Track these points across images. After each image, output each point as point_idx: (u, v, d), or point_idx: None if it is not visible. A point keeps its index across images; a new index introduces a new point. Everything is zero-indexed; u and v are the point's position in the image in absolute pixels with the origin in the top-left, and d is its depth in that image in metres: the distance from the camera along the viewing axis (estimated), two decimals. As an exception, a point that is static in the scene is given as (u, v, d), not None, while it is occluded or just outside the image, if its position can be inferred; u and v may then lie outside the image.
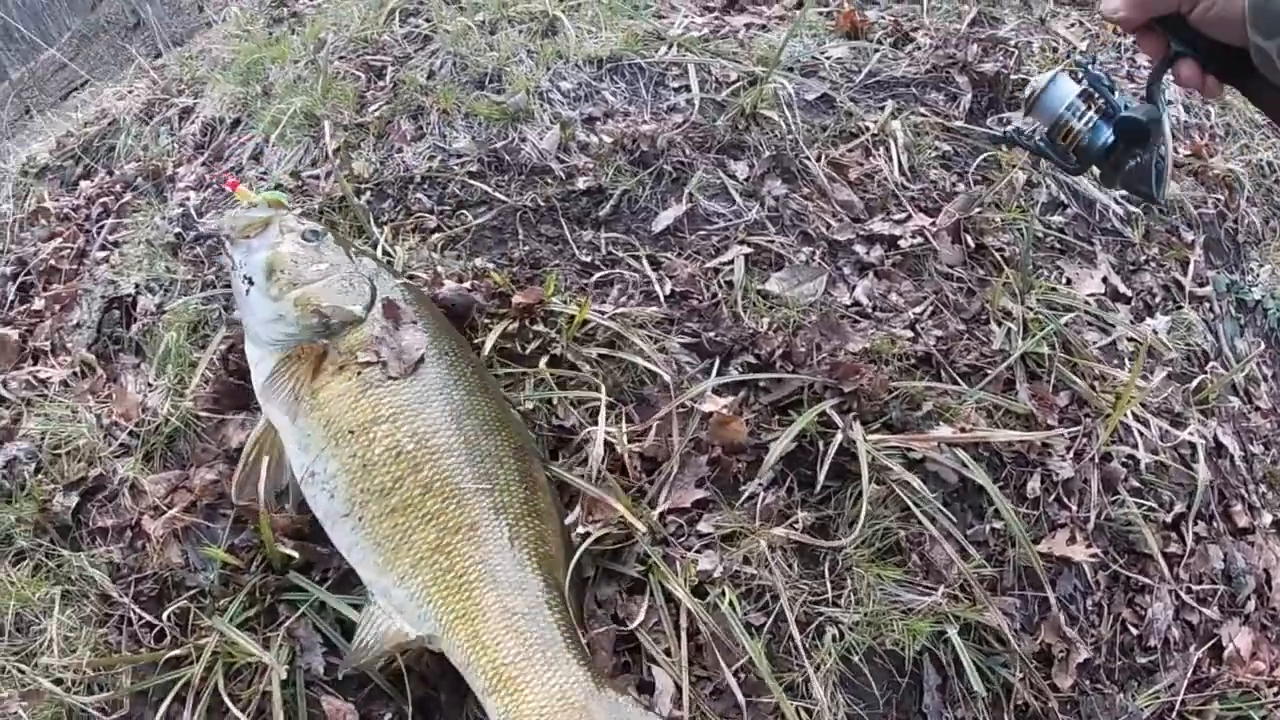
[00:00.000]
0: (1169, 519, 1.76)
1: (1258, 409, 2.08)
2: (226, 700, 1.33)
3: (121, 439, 1.65)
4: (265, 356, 1.49)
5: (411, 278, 1.73)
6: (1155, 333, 1.94)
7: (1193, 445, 1.83)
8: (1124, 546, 1.70)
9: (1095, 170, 1.18)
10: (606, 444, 1.50)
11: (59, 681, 1.39)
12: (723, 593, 1.36)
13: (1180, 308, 2.04)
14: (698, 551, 1.40)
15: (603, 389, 1.53)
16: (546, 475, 1.44)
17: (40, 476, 1.62)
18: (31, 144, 3.09)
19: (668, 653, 1.33)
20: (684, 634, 1.33)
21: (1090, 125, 1.13)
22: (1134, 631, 1.67)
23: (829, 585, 1.41)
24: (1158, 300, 2.04)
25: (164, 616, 1.42)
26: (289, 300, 1.48)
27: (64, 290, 2.10)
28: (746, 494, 1.47)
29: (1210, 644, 1.75)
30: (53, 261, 2.27)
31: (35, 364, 1.95)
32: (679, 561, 1.39)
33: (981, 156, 2.07)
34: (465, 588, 1.28)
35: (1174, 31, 1.01)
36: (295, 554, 1.41)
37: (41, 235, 2.40)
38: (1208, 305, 2.11)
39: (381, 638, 1.28)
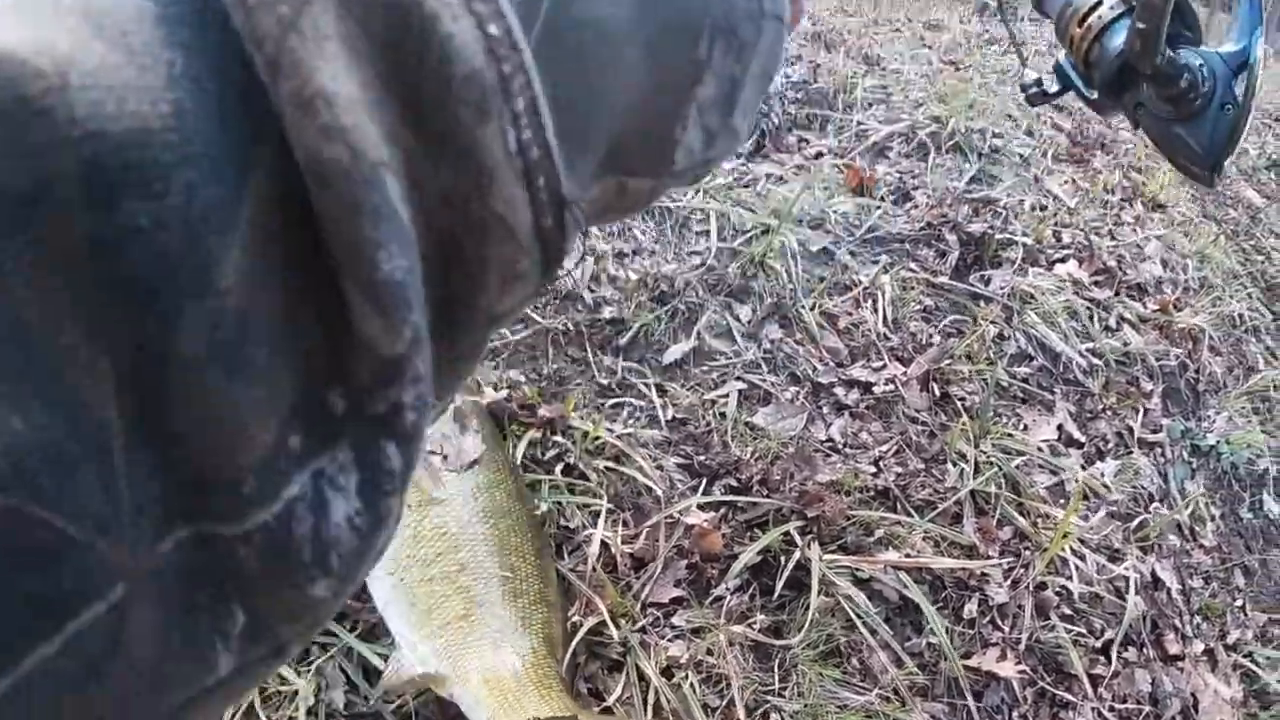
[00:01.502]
0: (1099, 644, 2.02)
1: (1201, 546, 2.32)
2: (261, 715, 1.64)
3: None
4: None
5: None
6: (1102, 475, 2.21)
7: (1126, 579, 2.09)
8: (1052, 666, 1.96)
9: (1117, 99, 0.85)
10: (603, 544, 1.83)
11: None
12: (686, 676, 1.67)
13: (1130, 453, 2.30)
14: (669, 640, 1.72)
15: (604, 497, 1.86)
16: (557, 573, 1.77)
17: None
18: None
19: (639, 726, 1.64)
20: (650, 709, 1.64)
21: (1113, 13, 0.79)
22: (1055, 742, 1.92)
23: (776, 678, 1.70)
24: (1110, 446, 2.30)
25: None
26: None
27: None
28: (715, 595, 1.78)
29: (1130, 759, 1.98)
30: None
31: None
32: (653, 647, 1.71)
33: (957, 312, 2.39)
34: (482, 652, 1.60)
35: None
36: None
37: None
38: (1159, 451, 2.37)
39: (406, 677, 1.59)
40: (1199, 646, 2.19)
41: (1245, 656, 2.24)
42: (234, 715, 1.69)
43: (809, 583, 1.80)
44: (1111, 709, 1.99)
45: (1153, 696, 2.06)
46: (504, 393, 2.10)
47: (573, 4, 0.25)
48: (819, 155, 2.91)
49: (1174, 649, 2.14)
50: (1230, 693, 2.15)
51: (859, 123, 3.07)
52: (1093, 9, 0.83)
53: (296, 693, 1.68)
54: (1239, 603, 2.33)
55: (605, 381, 2.16)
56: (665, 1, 0.27)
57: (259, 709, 1.68)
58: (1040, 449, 2.17)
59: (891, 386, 2.13)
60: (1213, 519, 2.39)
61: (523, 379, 2.16)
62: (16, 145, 0.17)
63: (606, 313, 2.29)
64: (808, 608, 1.77)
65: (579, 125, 0.26)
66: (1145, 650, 2.09)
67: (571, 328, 2.26)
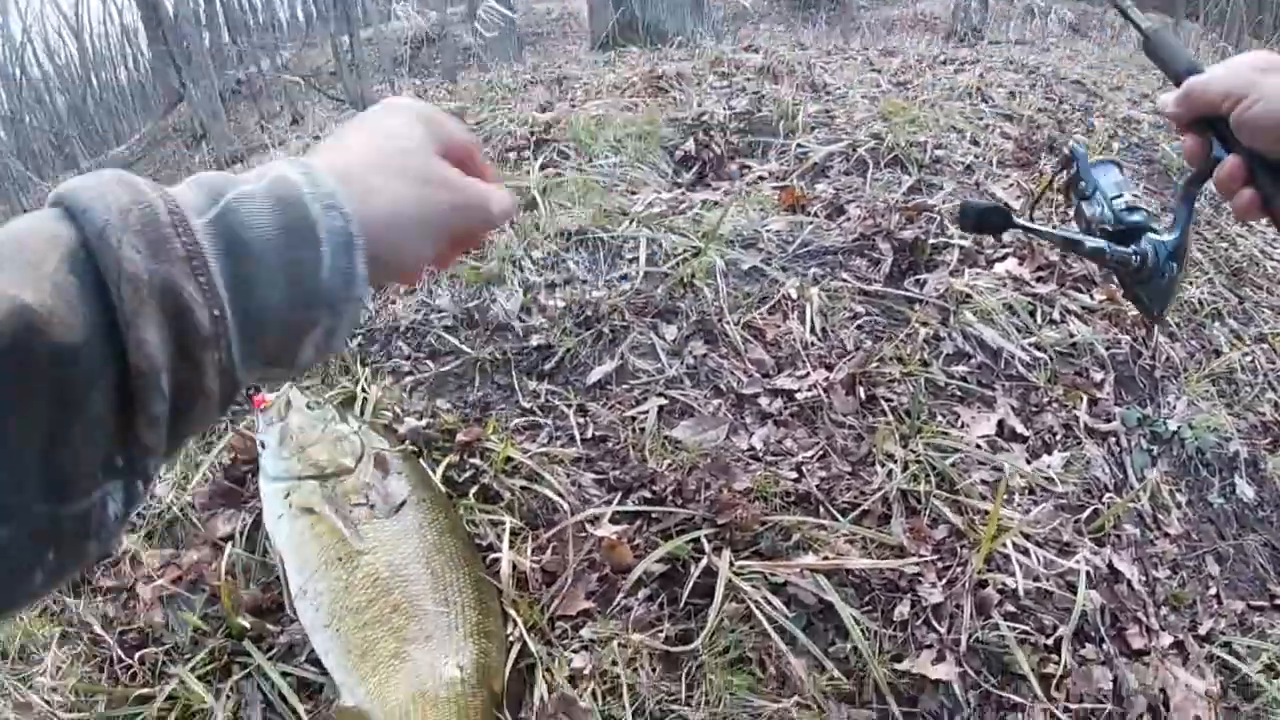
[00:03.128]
0: (1049, 642, 1.92)
1: (1166, 535, 2.21)
2: None
3: (131, 519, 2.07)
4: (273, 494, 1.83)
5: (379, 414, 2.12)
6: (1048, 468, 2.14)
7: (1077, 572, 2.00)
8: (997, 667, 1.87)
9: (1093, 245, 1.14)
10: (514, 562, 1.81)
11: (49, 703, 1.75)
12: (589, 687, 1.63)
13: (1080, 444, 2.22)
14: (574, 652, 1.68)
15: (507, 516, 1.85)
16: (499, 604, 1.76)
17: None
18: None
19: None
20: (555, 727, 1.60)
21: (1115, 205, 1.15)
22: (1004, 747, 1.82)
23: (684, 687, 1.65)
24: (1058, 438, 2.23)
25: (138, 660, 1.78)
26: (294, 459, 1.85)
27: None
28: (623, 606, 1.74)
29: (1093, 762, 1.87)
30: None
31: None
32: (558, 659, 1.67)
33: (889, 317, 2.36)
34: (411, 681, 1.59)
35: (1216, 133, 0.99)
36: (248, 626, 1.77)
37: None
38: (1114, 440, 2.28)
39: (340, 714, 1.60)
40: (1167, 639, 2.07)
41: (1221, 647, 2.11)
42: None
43: (716, 590, 1.75)
44: (1066, 709, 1.88)
45: (1116, 694, 1.95)
46: (424, 421, 2.11)
47: (253, 294, 0.51)
48: (759, 180, 2.93)
49: (1138, 643, 2.03)
50: (1204, 685, 2.03)
51: (799, 145, 3.08)
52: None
53: (213, 713, 1.69)
54: (1212, 591, 2.22)
55: (528, 405, 2.17)
56: (302, 294, 0.52)
57: None
58: (978, 445, 2.11)
59: (815, 392, 2.10)
60: (1178, 506, 2.29)
61: (448, 406, 2.18)
62: None
63: (534, 340, 2.30)
64: (719, 615, 1.72)
65: (250, 350, 0.52)
66: (1105, 646, 1.99)
67: (500, 356, 2.28)
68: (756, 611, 1.73)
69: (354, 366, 2.30)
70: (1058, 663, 1.91)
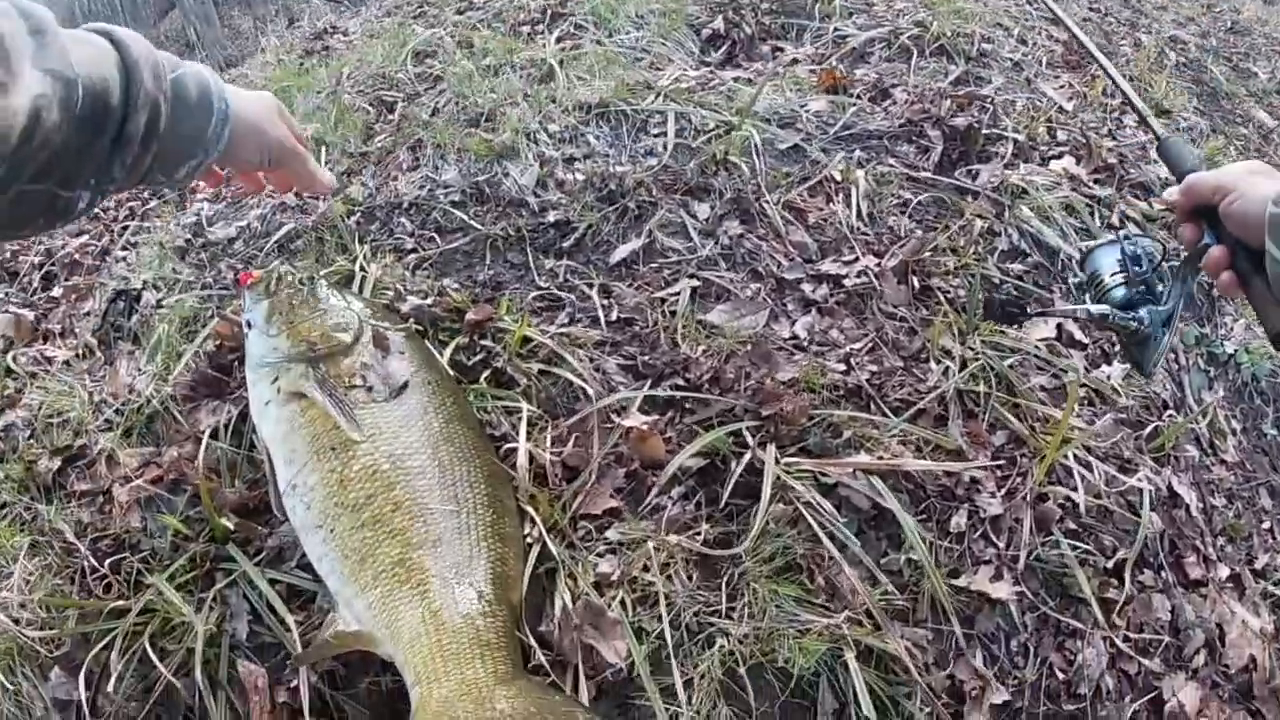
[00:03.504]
0: (1109, 565, 1.75)
1: (1223, 462, 2.04)
2: (149, 650, 1.44)
3: (108, 415, 1.82)
4: (259, 379, 1.58)
5: (380, 294, 1.86)
6: (1109, 379, 1.94)
7: (1140, 491, 1.82)
8: (1056, 589, 1.69)
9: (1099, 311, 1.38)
10: (531, 453, 1.58)
11: (16, 620, 1.51)
12: (617, 595, 1.41)
13: (1141, 358, 2.03)
14: (599, 555, 1.46)
15: (524, 403, 1.61)
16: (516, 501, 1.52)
17: (32, 441, 1.79)
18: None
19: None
20: (577, 634, 1.38)
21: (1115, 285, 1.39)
22: (1062, 676, 1.64)
23: (724, 597, 1.44)
24: (1116, 349, 2.03)
25: (113, 570, 1.54)
26: (283, 336, 1.60)
27: (82, 282, 2.33)
28: (654, 505, 1.52)
29: (1149, 697, 1.71)
30: (77, 256, 2.53)
31: (45, 343, 2.17)
32: (581, 564, 1.45)
33: (940, 206, 2.12)
34: (419, 596, 1.34)
35: (1209, 223, 1.16)
36: (233, 527, 1.53)
37: (71, 231, 2.67)
38: (1173, 356, 2.09)
39: (336, 634, 1.35)
40: (1224, 571, 1.91)
41: (1276, 585, 1.96)
42: (132, 649, 1.46)
43: (763, 489, 1.54)
44: (1126, 639, 1.72)
45: (1173, 625, 1.79)
46: (429, 299, 1.86)
47: (181, 120, 0.92)
48: (794, 62, 2.66)
49: (1195, 573, 1.86)
50: (1260, 624, 1.88)
51: (836, 29, 2.81)
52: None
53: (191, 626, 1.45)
54: (1266, 525, 2.06)
55: (545, 284, 1.91)
56: (197, 135, 0.96)
57: (147, 641, 1.45)
58: (1037, 348, 1.90)
59: (865, 279, 1.87)
60: (1233, 433, 2.12)
61: (455, 285, 1.92)
62: None
63: (551, 216, 2.04)
64: (759, 517, 1.51)
65: (168, 146, 0.90)
66: (1163, 574, 1.82)
67: (513, 232, 2.02)
68: (806, 514, 1.52)
69: (351, 244, 2.03)
70: (1118, 588, 1.74)
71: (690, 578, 1.46)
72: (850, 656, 1.44)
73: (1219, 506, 1.98)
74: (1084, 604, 1.69)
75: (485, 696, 1.24)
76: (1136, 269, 1.39)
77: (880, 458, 1.62)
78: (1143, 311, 1.36)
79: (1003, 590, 1.61)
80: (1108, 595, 1.72)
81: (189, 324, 1.96)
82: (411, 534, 1.39)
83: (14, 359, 2.05)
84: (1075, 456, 1.79)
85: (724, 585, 1.46)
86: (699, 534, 1.49)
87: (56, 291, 2.35)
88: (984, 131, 2.31)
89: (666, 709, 1.34)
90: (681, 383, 1.68)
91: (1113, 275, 1.40)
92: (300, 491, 1.45)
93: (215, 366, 1.81)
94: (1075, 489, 1.75)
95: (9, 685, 1.50)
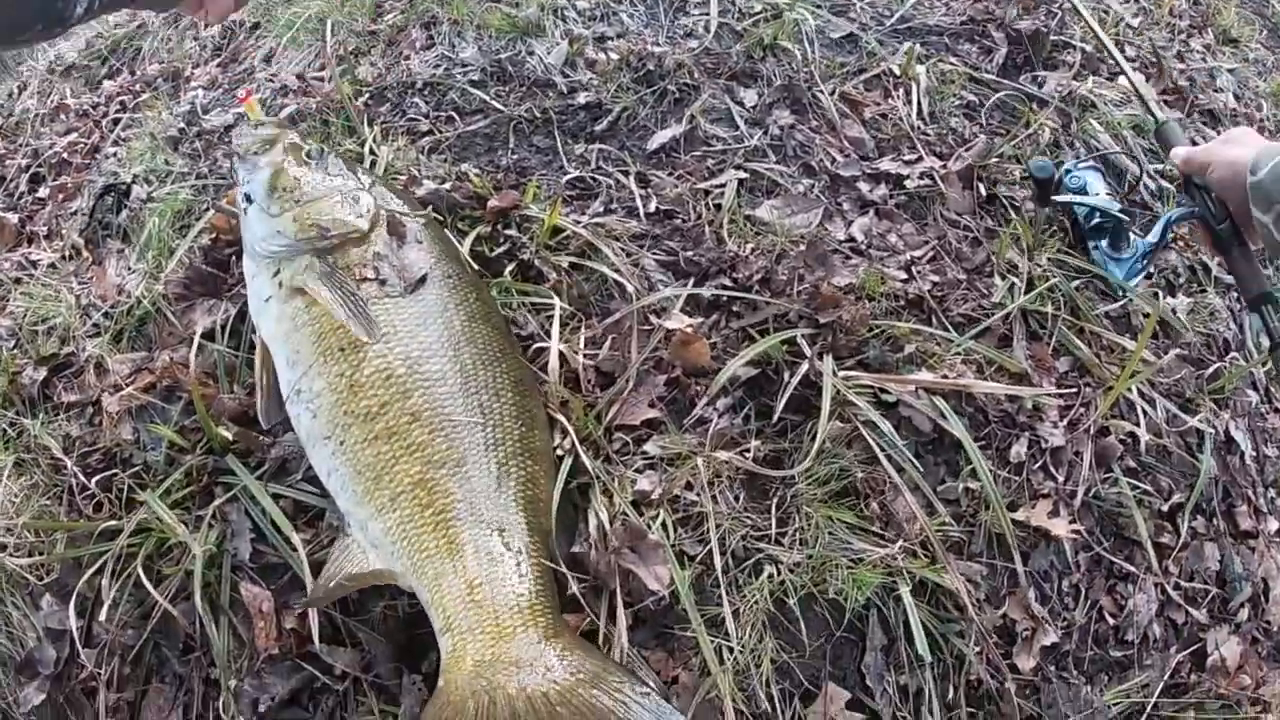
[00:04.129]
0: (1165, 508, 1.63)
1: (1277, 410, 1.93)
2: (142, 576, 1.29)
3: (95, 319, 1.64)
4: (260, 271, 1.39)
5: (392, 179, 1.65)
6: (1175, 311, 1.80)
7: (1200, 433, 1.70)
8: (1111, 529, 1.57)
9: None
10: (563, 355, 1.40)
11: (3, 546, 1.37)
12: (657, 515, 1.26)
13: (1204, 291, 1.89)
14: (637, 471, 1.30)
15: (557, 298, 1.43)
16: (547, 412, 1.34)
17: (16, 351, 1.62)
18: (61, 43, 3.09)
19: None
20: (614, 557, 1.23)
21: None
22: (1111, 621, 1.54)
23: (773, 521, 1.30)
24: (1181, 281, 1.89)
25: (103, 488, 1.39)
26: (288, 217, 1.39)
27: (70, 181, 2.13)
28: (699, 418, 1.37)
29: (1193, 648, 1.61)
30: (65, 155, 2.33)
31: (30, 246, 1.97)
32: (618, 480, 1.29)
33: (1005, 111, 1.94)
34: (443, 526, 1.18)
35: (1200, 193, 1.39)
36: (233, 438, 1.36)
37: (59, 130, 2.49)
38: (1234, 295, 1.96)
39: (352, 576, 1.19)
40: (1273, 524, 1.80)
41: (1322, 539, 1.86)
42: (125, 573, 1.32)
43: (818, 404, 1.38)
44: (1177, 586, 1.61)
45: (1220, 577, 1.68)
46: (447, 184, 1.65)
47: None
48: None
49: (1245, 524, 1.75)
50: (1305, 580, 1.78)
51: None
52: None
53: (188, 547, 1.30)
54: (1317, 480, 1.95)
55: (575, 171, 1.71)
56: None
57: (139, 565, 1.30)
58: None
59: (928, 182, 1.70)
60: (1291, 381, 2.00)
61: (474, 170, 1.72)
62: None
63: (581, 98, 1.83)
64: (815, 434, 1.35)
65: None
66: (1215, 522, 1.71)
67: (538, 115, 1.81)
68: (865, 434, 1.37)
69: (359, 126, 1.81)
70: (1173, 533, 1.63)
71: (737, 499, 1.31)
72: (905, 590, 1.31)
73: (1271, 457, 1.87)
74: (1138, 547, 1.57)
75: (532, 659, 1.08)
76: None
77: (944, 376, 1.47)
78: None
79: (1060, 527, 1.49)
80: (1162, 540, 1.61)
81: (182, 218, 1.78)
82: (432, 450, 1.22)
83: None
84: (1139, 391, 1.66)
85: (774, 508, 1.31)
86: (748, 451, 1.34)
87: (43, 192, 2.13)
88: (1051, 38, 2.12)
89: (711, 642, 1.20)
90: (728, 283, 1.51)
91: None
92: (305, 398, 1.27)
93: (211, 262, 1.62)
94: (1138, 425, 1.62)
95: (2, 611, 1.36)
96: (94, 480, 1.41)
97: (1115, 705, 1.49)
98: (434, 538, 1.18)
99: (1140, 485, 1.60)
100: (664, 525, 1.26)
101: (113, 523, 1.35)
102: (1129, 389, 1.63)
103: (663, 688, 1.18)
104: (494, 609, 1.11)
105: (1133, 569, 1.56)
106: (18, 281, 1.79)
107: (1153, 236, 1.66)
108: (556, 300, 1.45)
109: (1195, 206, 1.42)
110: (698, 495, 1.29)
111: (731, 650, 1.20)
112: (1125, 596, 1.55)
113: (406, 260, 1.38)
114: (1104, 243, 1.72)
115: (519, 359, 1.37)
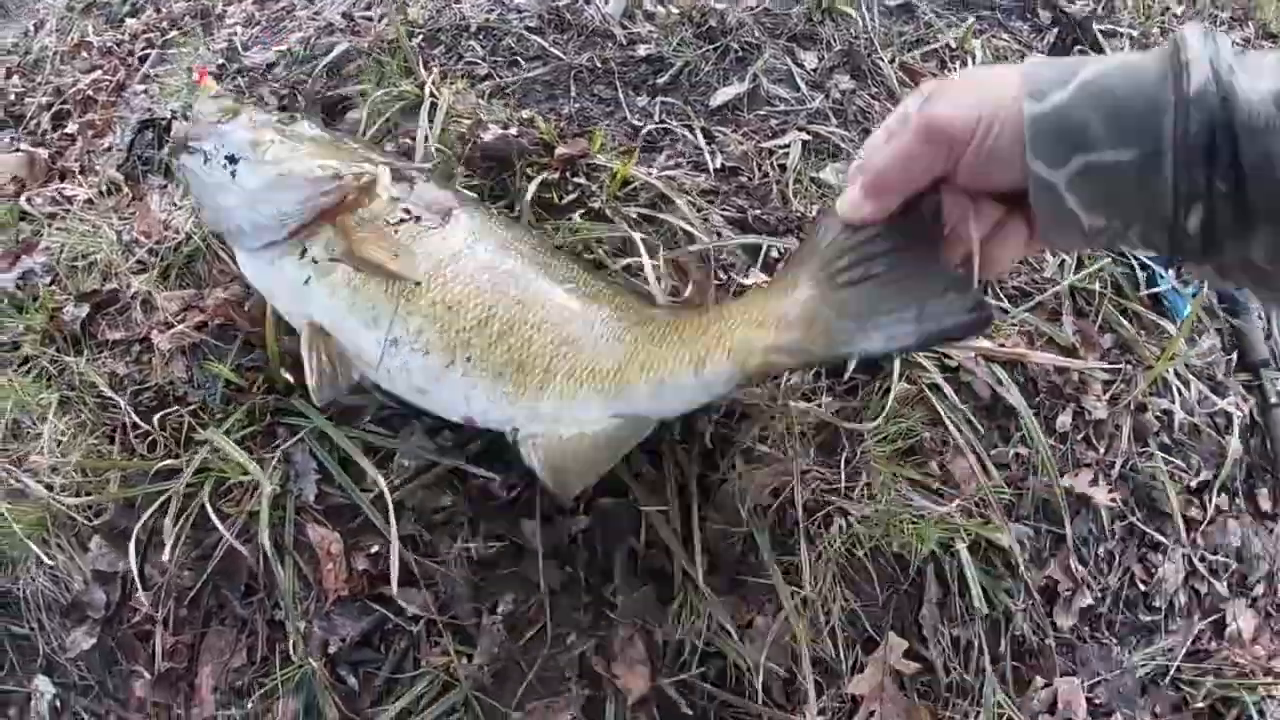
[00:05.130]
0: (1193, 484, 1.69)
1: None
2: (211, 513, 1.28)
3: (139, 255, 1.60)
4: (281, 258, 1.30)
5: (455, 122, 1.65)
6: (1211, 299, 1.86)
7: (1228, 415, 1.76)
8: (1144, 500, 1.64)
9: None
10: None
11: (49, 487, 1.35)
12: (733, 466, 1.30)
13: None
14: (713, 421, 1.33)
15: (637, 234, 1.45)
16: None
17: (54, 288, 1.57)
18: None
19: (668, 519, 1.27)
20: (695, 501, 1.27)
21: None
22: (1141, 587, 1.60)
23: (843, 475, 1.34)
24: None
25: (159, 426, 1.37)
26: (292, 164, 1.29)
27: (98, 118, 2.06)
28: (772, 372, 1.40)
29: (1214, 618, 1.68)
30: (90, 92, 2.26)
31: (62, 182, 1.92)
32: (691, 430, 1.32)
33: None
34: (603, 360, 1.20)
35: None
36: (294, 379, 1.34)
37: (82, 68, 2.40)
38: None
39: (570, 455, 1.19)
40: (1290, 506, 1.89)
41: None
42: (186, 512, 1.31)
43: (884, 364, 1.42)
44: (1202, 558, 1.68)
45: (1239, 553, 1.76)
46: (513, 129, 1.65)
47: None
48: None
49: (1265, 505, 1.83)
50: (1315, 561, 1.87)
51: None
52: None
53: (257, 485, 1.29)
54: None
55: (639, 123, 1.72)
56: None
57: (208, 503, 1.30)
58: (1148, 254, 1.79)
59: (986, 157, 1.72)
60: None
61: (542, 117, 1.72)
62: None
63: (642, 50, 1.83)
64: (887, 391, 1.39)
65: None
66: (1237, 501, 1.78)
67: (599, 65, 1.81)
68: (931, 396, 1.41)
69: (416, 67, 1.78)
70: (1200, 508, 1.69)
71: (808, 453, 1.35)
72: (962, 547, 1.36)
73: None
74: (1169, 518, 1.64)
75: None
76: None
77: (1001, 345, 1.51)
78: None
79: (1101, 495, 1.55)
80: (1190, 514, 1.68)
81: None
82: (550, 317, 1.23)
83: (28, 200, 1.79)
84: (1175, 372, 1.71)
85: (843, 463, 1.35)
86: (819, 405, 1.37)
87: (71, 128, 2.07)
88: (1097, 27, 2.15)
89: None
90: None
91: None
92: (407, 342, 1.25)
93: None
94: (1174, 403, 1.68)
95: (46, 558, 1.34)
96: (154, 419, 1.38)
97: (1142, 667, 1.56)
98: (609, 375, 1.19)
99: (1173, 461, 1.66)
100: (737, 472, 1.29)
101: (170, 462, 1.34)
102: (1167, 369, 1.69)
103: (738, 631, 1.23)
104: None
105: (1163, 539, 1.63)
106: (52, 217, 1.74)
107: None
108: (637, 234, 1.45)
109: None
110: (770, 446, 1.32)
111: (805, 599, 1.24)
112: (1155, 565, 1.62)
113: (427, 196, 1.35)
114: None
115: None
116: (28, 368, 1.49)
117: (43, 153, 1.99)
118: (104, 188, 1.79)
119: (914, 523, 1.33)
